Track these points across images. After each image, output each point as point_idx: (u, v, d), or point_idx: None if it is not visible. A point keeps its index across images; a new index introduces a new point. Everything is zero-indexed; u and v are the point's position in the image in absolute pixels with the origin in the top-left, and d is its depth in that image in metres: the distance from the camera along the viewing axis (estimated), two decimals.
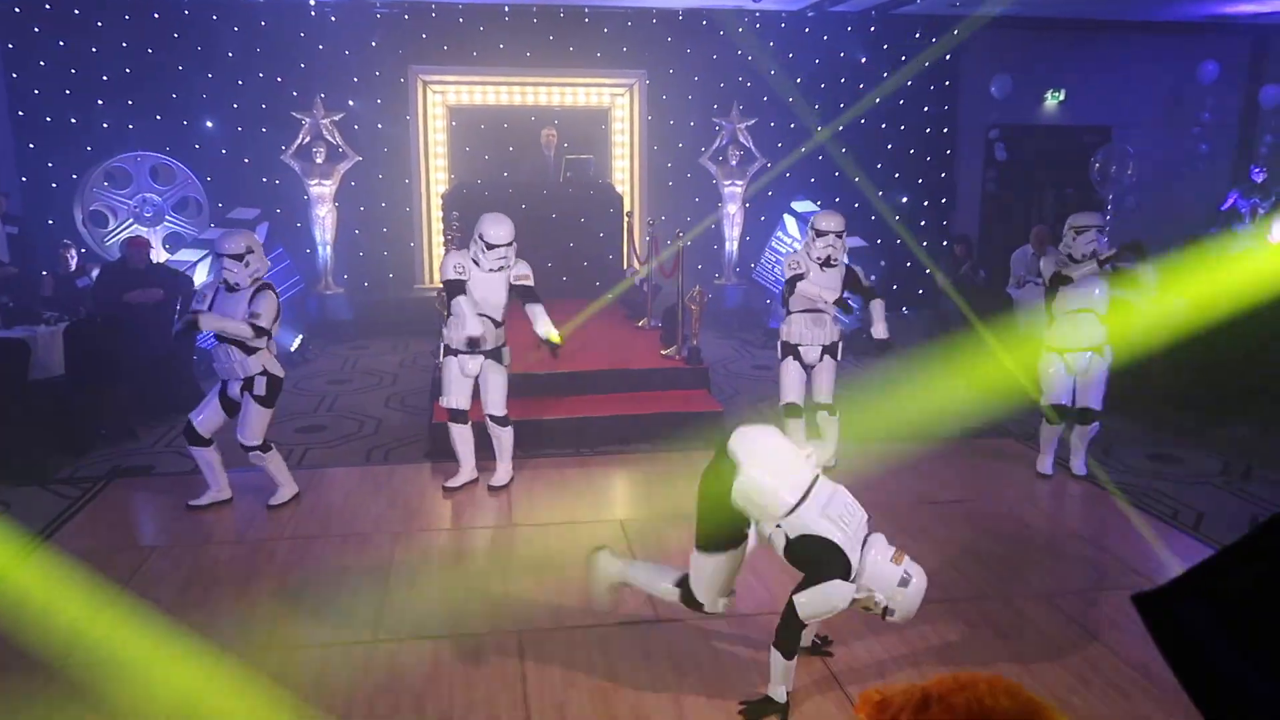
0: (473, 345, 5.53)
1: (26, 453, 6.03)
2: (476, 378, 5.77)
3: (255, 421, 5.42)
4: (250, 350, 5.33)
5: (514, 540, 5.16)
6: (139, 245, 7.90)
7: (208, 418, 5.47)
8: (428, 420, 6.74)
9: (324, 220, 9.99)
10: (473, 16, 10.57)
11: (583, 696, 3.67)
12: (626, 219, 10.13)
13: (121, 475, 6.08)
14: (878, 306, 5.93)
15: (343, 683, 3.74)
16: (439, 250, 10.40)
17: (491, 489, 5.83)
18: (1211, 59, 11.57)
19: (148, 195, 9.62)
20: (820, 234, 5.74)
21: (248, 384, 5.37)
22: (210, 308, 5.25)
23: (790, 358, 5.97)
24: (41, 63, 9.85)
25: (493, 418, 5.77)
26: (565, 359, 7.32)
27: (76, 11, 9.86)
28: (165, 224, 9.72)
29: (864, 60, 11.25)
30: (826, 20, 10.99)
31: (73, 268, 8.36)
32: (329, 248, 10.11)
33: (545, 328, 5.66)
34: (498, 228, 5.53)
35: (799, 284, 5.72)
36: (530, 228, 9.82)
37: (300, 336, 9.44)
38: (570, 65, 10.81)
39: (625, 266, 10.01)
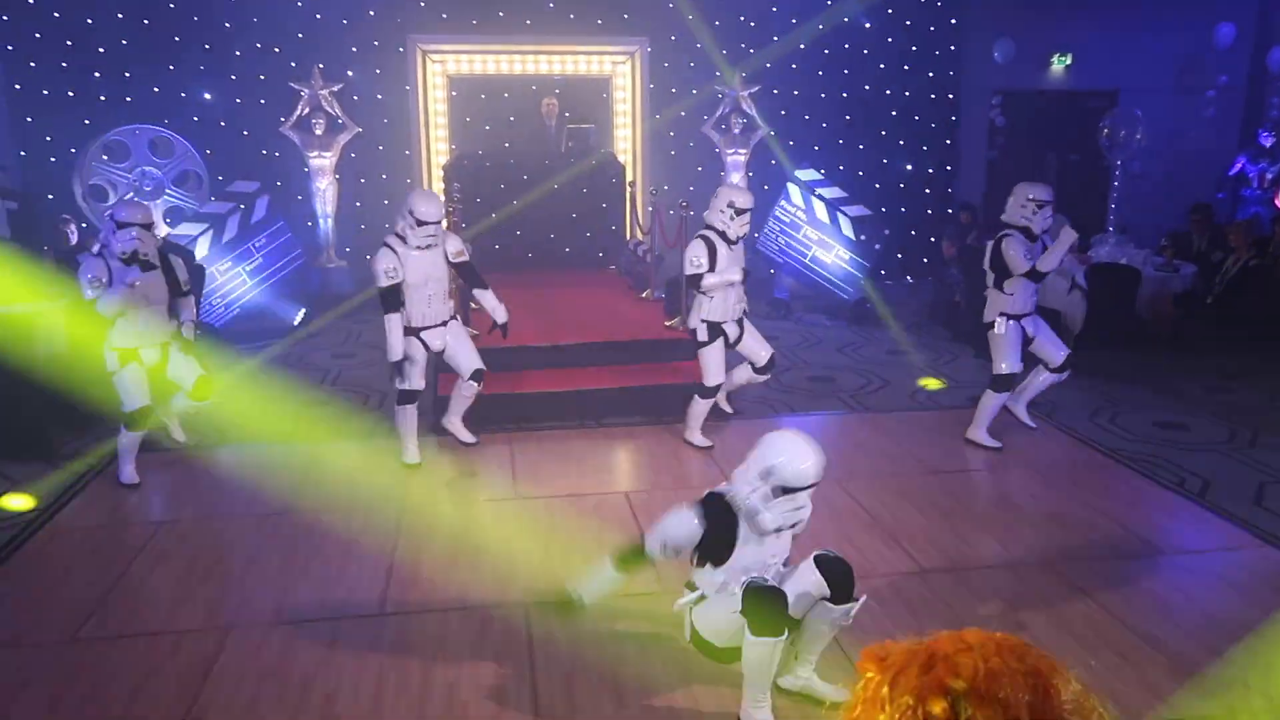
0: (398, 370, 5.61)
1: (31, 429, 6.03)
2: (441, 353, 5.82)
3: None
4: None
5: (520, 512, 5.17)
6: None
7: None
8: (433, 394, 6.73)
9: (325, 193, 9.93)
10: None
11: (589, 668, 3.68)
12: (629, 189, 10.06)
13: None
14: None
15: (350, 656, 3.76)
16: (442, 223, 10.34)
17: (469, 445, 6.08)
18: (1226, 21, 11.39)
19: (147, 169, 9.56)
20: (741, 212, 5.74)
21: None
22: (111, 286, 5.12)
23: (719, 339, 5.92)
24: (37, 35, 9.76)
25: (475, 374, 5.82)
26: (569, 330, 7.32)
27: None
28: (165, 198, 9.66)
29: (867, 25, 11.11)
30: None
31: (73, 243, 8.33)
32: (330, 220, 10.06)
33: (494, 309, 5.84)
34: (428, 204, 5.52)
35: (708, 278, 5.73)
36: (532, 198, 9.86)
37: (303, 310, 9.41)
38: (571, 33, 10.67)
39: (628, 238, 9.95)
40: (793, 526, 3.28)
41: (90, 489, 5.50)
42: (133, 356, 5.29)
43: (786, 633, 3.17)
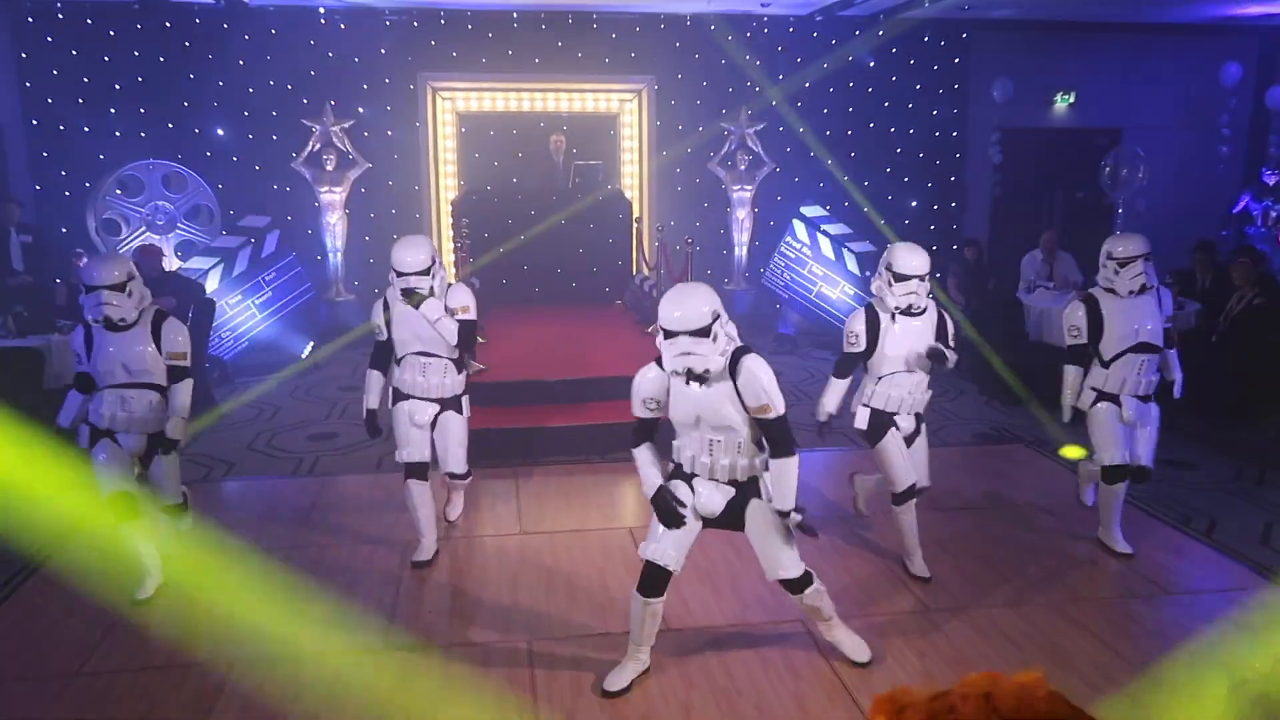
0: (370, 427, 4.94)
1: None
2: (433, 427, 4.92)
3: (170, 471, 4.63)
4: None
5: (524, 548, 5.17)
6: (151, 253, 7.95)
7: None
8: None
9: (334, 227, 10.04)
10: (481, 23, 10.61)
11: (592, 705, 3.68)
12: (635, 225, 10.14)
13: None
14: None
15: (354, 692, 3.76)
16: (449, 257, 10.43)
17: (450, 522, 5.42)
18: (1231, 60, 11.51)
19: (160, 203, 9.68)
20: (900, 278, 4.46)
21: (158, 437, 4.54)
22: (91, 356, 4.41)
23: (889, 429, 4.66)
24: (55, 71, 9.93)
25: (451, 476, 5.02)
26: (575, 365, 7.35)
27: (89, 21, 9.93)
28: (177, 232, 9.78)
29: (872, 64, 11.24)
30: (834, 24, 10.98)
31: None
32: (340, 254, 10.16)
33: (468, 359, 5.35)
34: (404, 251, 4.60)
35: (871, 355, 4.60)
36: (540, 234, 9.95)
37: (311, 343, 9.48)
38: (578, 71, 10.83)
39: (635, 273, 10.02)
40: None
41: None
42: (106, 435, 4.50)
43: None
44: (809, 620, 4.04)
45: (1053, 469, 6.37)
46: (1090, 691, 3.72)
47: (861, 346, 4.56)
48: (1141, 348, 4.78)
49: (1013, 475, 6.11)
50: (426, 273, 4.60)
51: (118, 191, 9.63)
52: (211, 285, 8.85)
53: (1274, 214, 11.14)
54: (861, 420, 4.67)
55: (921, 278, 4.45)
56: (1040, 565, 4.92)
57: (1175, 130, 11.97)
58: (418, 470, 4.86)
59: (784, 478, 3.52)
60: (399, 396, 4.86)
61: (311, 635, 4.19)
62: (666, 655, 3.97)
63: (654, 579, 3.67)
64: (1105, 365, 4.87)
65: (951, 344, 4.60)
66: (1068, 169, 12.08)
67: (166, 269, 8.34)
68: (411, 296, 4.57)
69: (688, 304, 3.42)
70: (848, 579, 4.72)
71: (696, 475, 3.66)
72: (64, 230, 9.82)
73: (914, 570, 4.77)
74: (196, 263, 9.14)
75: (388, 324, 4.77)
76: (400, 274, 4.60)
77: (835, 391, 4.73)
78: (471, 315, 4.77)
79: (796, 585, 3.69)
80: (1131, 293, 4.76)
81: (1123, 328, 4.79)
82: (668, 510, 3.64)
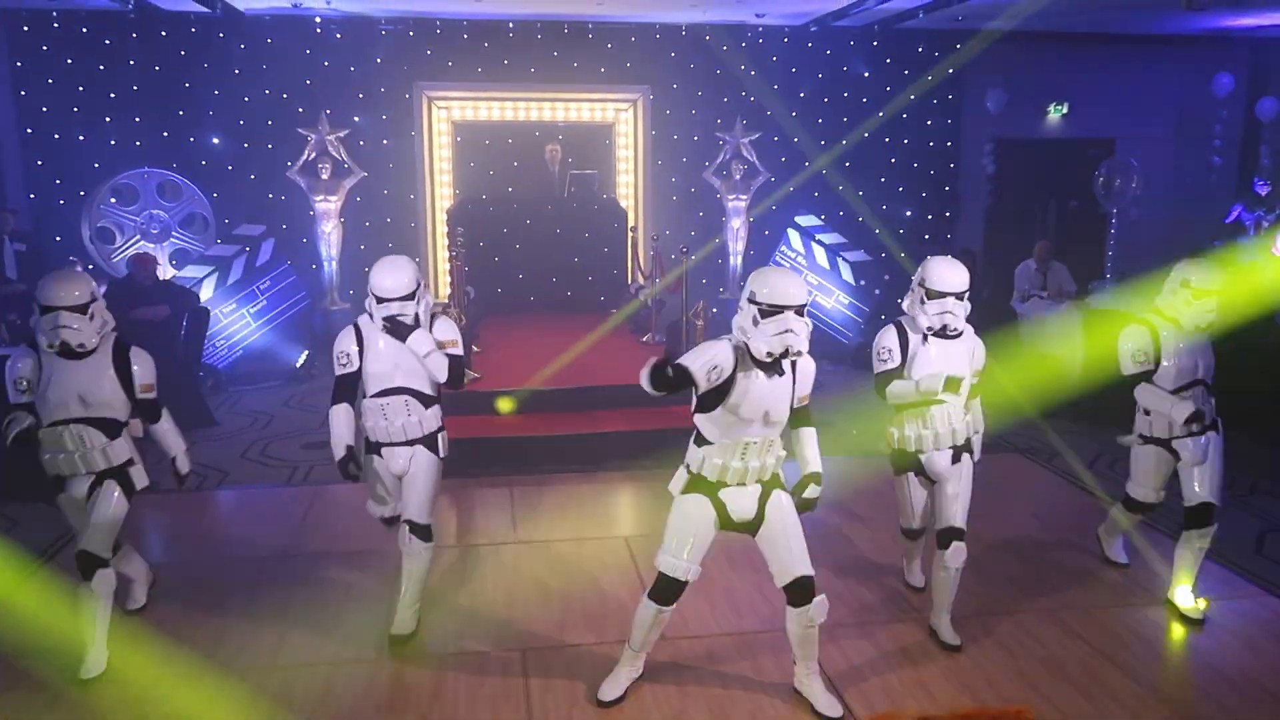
0: (344, 470, 4.10)
1: (32, 470, 6.02)
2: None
3: (114, 520, 4.00)
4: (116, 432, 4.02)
5: (519, 557, 5.15)
6: (146, 262, 7.95)
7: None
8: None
9: (329, 236, 10.03)
10: (477, 33, 10.63)
11: (587, 714, 3.67)
12: (630, 234, 10.16)
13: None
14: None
15: (347, 702, 3.74)
16: (444, 266, 10.44)
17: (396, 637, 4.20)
18: (1222, 71, 11.59)
19: (155, 212, 9.67)
20: (934, 295, 4.01)
21: (114, 474, 4.01)
22: (44, 385, 3.88)
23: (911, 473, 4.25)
24: (49, 80, 9.93)
25: (411, 525, 4.17)
26: (569, 375, 7.34)
27: (84, 29, 9.94)
28: (172, 240, 9.77)
29: (867, 74, 11.29)
30: (829, 35, 11.03)
31: None
32: (334, 263, 10.15)
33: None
34: (386, 274, 4.04)
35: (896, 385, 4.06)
36: (535, 243, 9.96)
37: (306, 352, 9.46)
38: (574, 81, 10.85)
39: (630, 282, 10.03)
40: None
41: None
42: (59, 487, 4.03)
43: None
44: (797, 655, 3.73)
45: (1048, 479, 6.37)
46: (1086, 702, 3.72)
47: (897, 361, 4.04)
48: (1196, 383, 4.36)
49: (1008, 485, 6.11)
50: (412, 297, 4.06)
51: (112, 200, 9.63)
52: (206, 294, 8.84)
53: (1266, 224, 11.18)
54: (890, 442, 4.25)
55: (959, 295, 3.98)
56: (1036, 574, 4.92)
57: (1168, 141, 12.04)
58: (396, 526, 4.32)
59: (815, 443, 3.66)
60: (370, 448, 4.23)
61: (305, 643, 4.17)
62: (660, 664, 3.96)
63: (670, 588, 3.60)
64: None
65: (974, 377, 4.15)
66: (1063, 178, 12.13)
67: (161, 277, 8.33)
68: (397, 328, 4.03)
69: (794, 279, 3.43)
70: (841, 586, 4.72)
71: (726, 485, 3.54)
72: (58, 239, 9.82)
73: (943, 637, 4.17)
74: (191, 271, 9.13)
75: (360, 355, 4.12)
76: (381, 300, 4.04)
77: (903, 388, 4.03)
78: (459, 349, 4.24)
79: (807, 592, 3.53)
80: (1198, 328, 4.29)
81: (1185, 363, 4.34)
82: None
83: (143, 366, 4.05)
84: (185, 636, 4.23)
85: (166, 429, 4.23)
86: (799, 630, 3.61)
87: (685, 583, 3.59)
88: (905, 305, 4.14)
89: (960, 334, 4.06)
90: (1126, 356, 4.45)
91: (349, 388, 4.15)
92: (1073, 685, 3.84)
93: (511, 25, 10.65)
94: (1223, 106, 12.00)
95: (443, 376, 4.13)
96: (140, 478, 4.10)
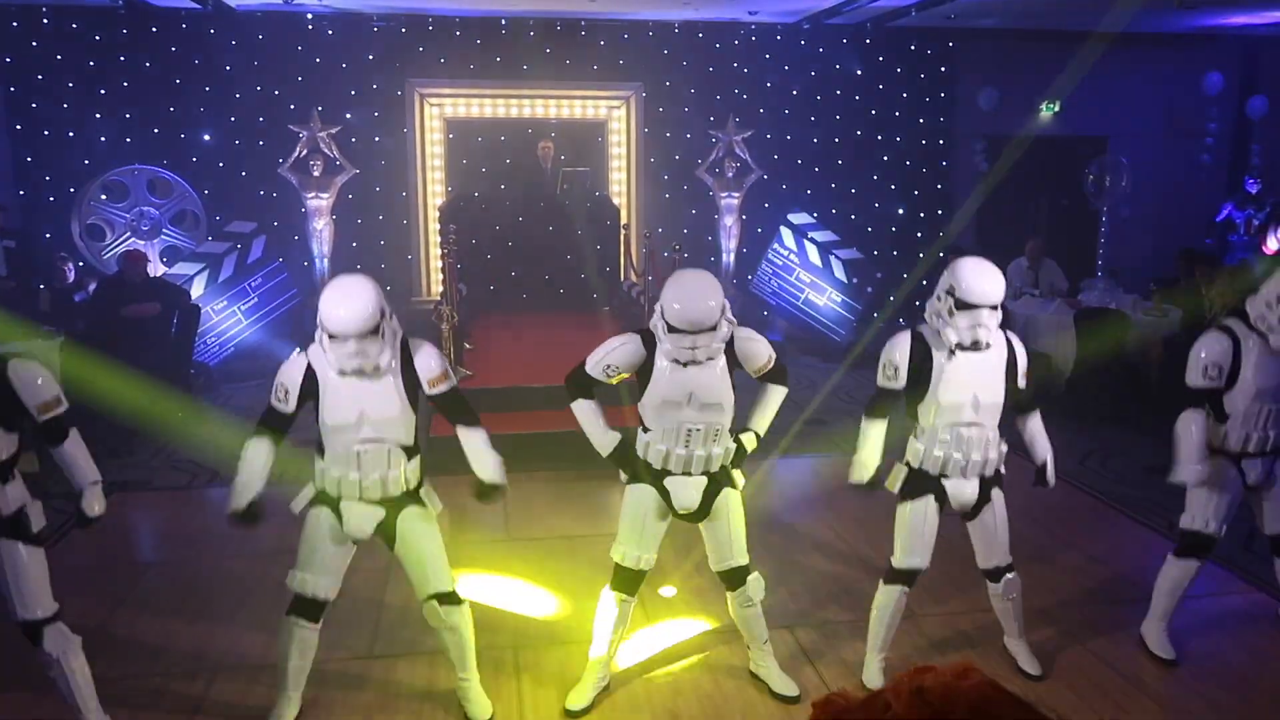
0: (246, 518, 3.45)
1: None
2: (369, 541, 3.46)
3: (37, 574, 3.28)
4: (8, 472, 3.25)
5: (511, 554, 5.15)
6: (136, 259, 7.92)
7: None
8: (424, 434, 6.74)
9: (321, 233, 10.00)
10: (470, 30, 10.61)
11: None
12: (623, 231, 10.15)
13: (117, 490, 6.06)
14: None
15: (338, 699, 3.74)
16: (436, 263, 10.41)
17: None
18: (1213, 70, 11.62)
19: (145, 209, 9.64)
20: (963, 306, 3.47)
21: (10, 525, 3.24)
22: None
23: (924, 496, 3.69)
24: (39, 76, 9.88)
25: (439, 597, 3.47)
26: (563, 371, 7.32)
27: (74, 25, 9.89)
28: (162, 237, 9.73)
29: (859, 72, 11.30)
30: (821, 33, 11.03)
31: (70, 281, 8.38)
32: (326, 260, 10.12)
33: (483, 464, 3.55)
34: (337, 304, 3.14)
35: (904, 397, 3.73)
36: (527, 240, 9.95)
37: (297, 349, 9.42)
38: (567, 78, 10.84)
39: (622, 279, 10.02)
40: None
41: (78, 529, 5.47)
42: None
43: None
44: (746, 638, 3.79)
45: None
46: (1075, 697, 3.74)
47: (900, 384, 3.62)
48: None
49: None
50: (376, 332, 3.16)
51: (102, 197, 9.58)
52: (197, 291, 8.81)
53: (1256, 222, 11.24)
54: (896, 482, 3.73)
55: (994, 307, 3.46)
56: (1026, 570, 4.92)
57: (1159, 139, 12.07)
58: (310, 609, 3.44)
59: (776, 403, 3.82)
60: (322, 500, 3.45)
61: None
62: (654, 663, 3.96)
63: (628, 577, 3.65)
64: (1223, 419, 4.00)
65: (1023, 381, 3.63)
66: (1054, 176, 12.16)
67: (151, 274, 8.30)
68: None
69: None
70: (835, 586, 4.72)
71: (670, 473, 3.54)
72: (48, 236, 9.77)
73: (1022, 665, 3.90)
74: (181, 268, 9.10)
75: (310, 398, 3.32)
76: (334, 337, 3.15)
77: (872, 440, 3.73)
78: (452, 382, 3.44)
79: (741, 578, 3.64)
80: None
81: (1264, 381, 3.84)
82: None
83: (41, 390, 3.26)
84: (174, 636, 4.21)
85: (76, 453, 3.41)
86: (741, 611, 3.69)
87: (643, 572, 3.63)
88: (928, 314, 3.63)
89: (989, 345, 3.53)
90: (1193, 369, 3.99)
91: (281, 425, 3.43)
92: (1064, 683, 3.86)
93: (504, 22, 10.63)
94: (1213, 105, 12.04)
95: (500, 476, 3.53)
96: (99, 505, 3.40)
